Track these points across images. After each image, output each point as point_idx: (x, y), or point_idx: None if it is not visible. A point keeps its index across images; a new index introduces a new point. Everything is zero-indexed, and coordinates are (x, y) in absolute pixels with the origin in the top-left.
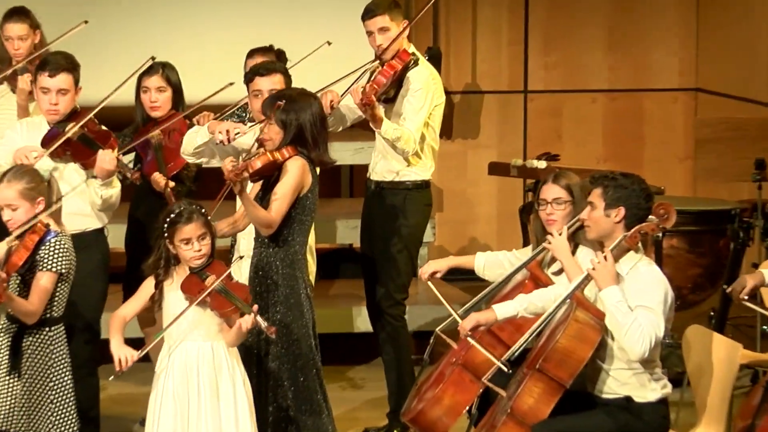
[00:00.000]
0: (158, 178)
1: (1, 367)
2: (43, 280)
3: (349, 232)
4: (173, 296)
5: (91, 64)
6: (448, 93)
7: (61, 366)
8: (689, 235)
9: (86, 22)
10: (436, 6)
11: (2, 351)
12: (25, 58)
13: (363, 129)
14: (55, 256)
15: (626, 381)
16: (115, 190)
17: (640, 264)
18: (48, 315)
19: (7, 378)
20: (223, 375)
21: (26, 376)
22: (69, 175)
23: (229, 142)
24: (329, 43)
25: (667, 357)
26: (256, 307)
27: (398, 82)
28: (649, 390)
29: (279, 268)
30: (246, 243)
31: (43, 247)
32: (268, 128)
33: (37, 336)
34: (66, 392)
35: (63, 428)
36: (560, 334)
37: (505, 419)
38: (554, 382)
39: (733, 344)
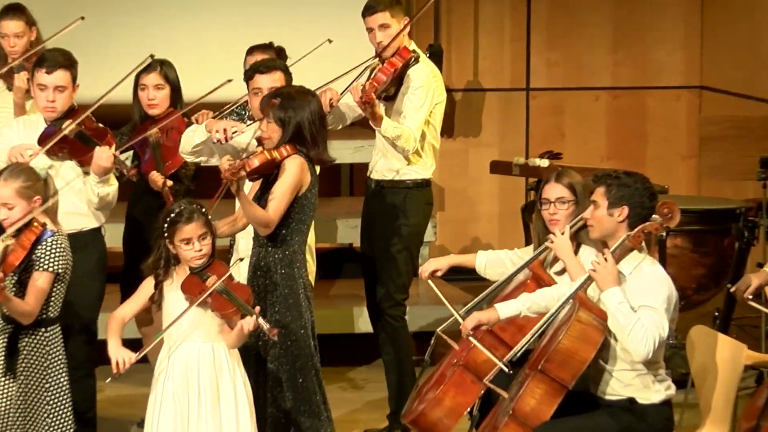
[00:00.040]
0: (156, 177)
1: None
2: (40, 280)
3: (349, 232)
4: (173, 296)
5: (88, 61)
6: (449, 90)
7: (58, 367)
8: (693, 235)
9: (83, 18)
10: (437, 2)
11: None
12: (21, 56)
13: (363, 127)
14: (52, 255)
15: (629, 382)
16: (111, 188)
17: (644, 264)
18: (44, 315)
19: (3, 379)
20: (223, 376)
21: (22, 377)
22: (65, 173)
23: (226, 140)
24: (330, 41)
25: (671, 358)
26: (258, 308)
27: (399, 79)
28: (653, 391)
29: (277, 268)
30: (245, 243)
31: (39, 247)
32: (266, 127)
33: (33, 337)
34: (62, 394)
35: (59, 430)
36: (563, 334)
37: (506, 421)
38: (556, 383)
39: (737, 345)
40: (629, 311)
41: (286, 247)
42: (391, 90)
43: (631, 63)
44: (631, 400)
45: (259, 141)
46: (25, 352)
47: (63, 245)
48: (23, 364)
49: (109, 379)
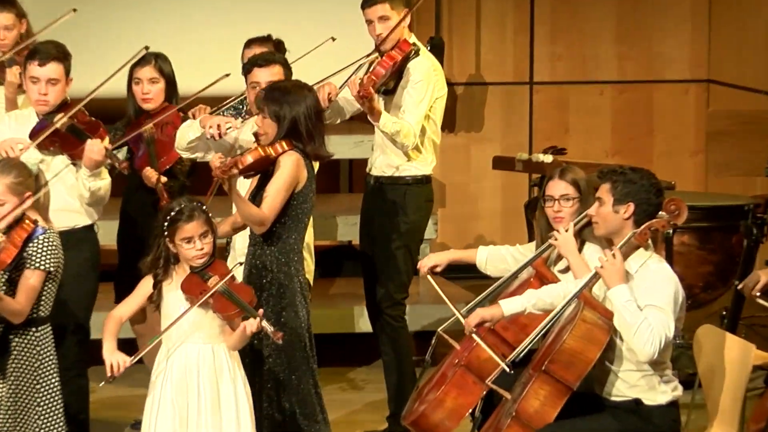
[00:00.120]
0: (150, 173)
1: None
2: (31, 279)
3: (349, 229)
4: (172, 296)
5: (82, 54)
6: (450, 84)
7: (49, 367)
8: (701, 232)
9: (75, 10)
10: None
11: None
12: (12, 49)
13: (362, 122)
14: (44, 253)
15: (635, 383)
16: (104, 182)
17: (650, 261)
18: (35, 314)
19: None
20: (224, 378)
21: (12, 377)
22: (56, 168)
23: (220, 136)
24: (333, 39)
25: (678, 358)
26: (261, 311)
27: (398, 73)
28: (659, 392)
29: (273, 266)
30: (242, 241)
31: (31, 245)
32: (262, 122)
33: (24, 336)
34: (53, 395)
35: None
36: (567, 334)
37: (510, 422)
38: (561, 384)
39: (745, 345)
40: (636, 310)
41: (282, 246)
42: (391, 84)
43: (637, 56)
44: (637, 402)
45: (256, 136)
46: (15, 352)
47: (55, 243)
48: (13, 365)
49: (103, 383)
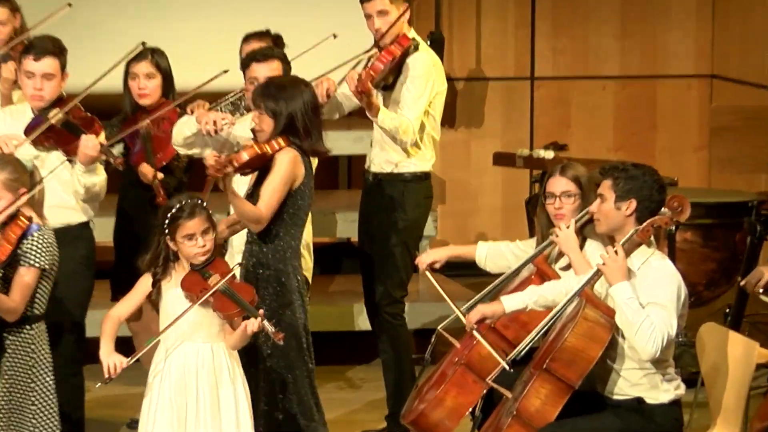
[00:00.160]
0: (146, 170)
1: None
2: (26, 276)
3: (348, 226)
4: (172, 295)
5: (77, 49)
6: (450, 80)
7: (43, 365)
8: (704, 229)
9: (70, 5)
10: None
11: None
12: (6, 44)
13: (361, 117)
14: (39, 250)
15: (637, 381)
16: (99, 178)
17: (652, 259)
18: (29, 312)
19: None
20: (223, 378)
21: (6, 376)
22: (51, 164)
23: (216, 133)
24: (335, 36)
25: (681, 356)
26: (262, 311)
27: (397, 68)
28: (662, 391)
29: (270, 264)
30: (240, 238)
31: (25, 242)
32: (259, 118)
33: (18, 334)
34: (48, 393)
35: (45, 431)
36: (569, 332)
37: (510, 422)
38: (562, 382)
39: (749, 342)
40: (638, 307)
41: (279, 243)
42: (390, 79)
43: (640, 50)
44: (639, 400)
45: (254, 132)
46: (9, 350)
47: (50, 240)
48: (8, 363)
49: (99, 384)
